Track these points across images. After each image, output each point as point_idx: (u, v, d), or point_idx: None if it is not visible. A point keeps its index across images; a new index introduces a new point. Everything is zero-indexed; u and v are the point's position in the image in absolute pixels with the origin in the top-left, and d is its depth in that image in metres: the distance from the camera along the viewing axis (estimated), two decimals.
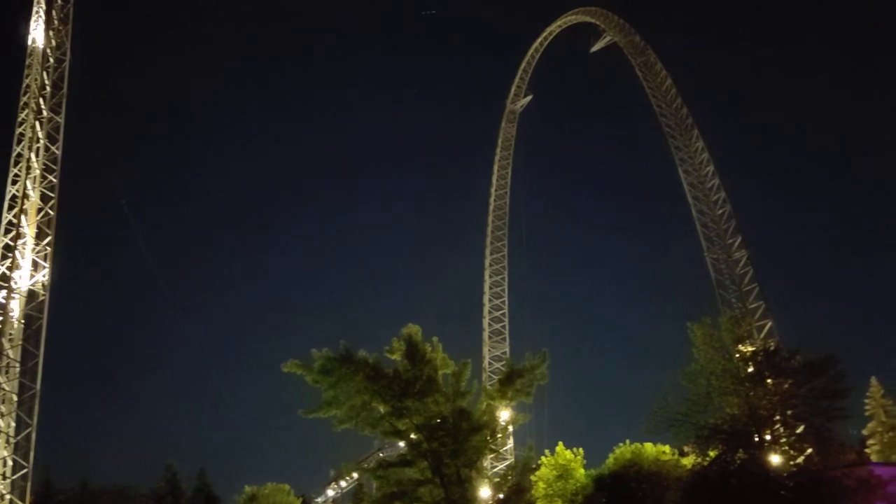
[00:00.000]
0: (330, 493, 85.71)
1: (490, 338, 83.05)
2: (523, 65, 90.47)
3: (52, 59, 53.10)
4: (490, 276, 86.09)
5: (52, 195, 50.55)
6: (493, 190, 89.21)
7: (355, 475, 73.72)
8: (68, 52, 53.47)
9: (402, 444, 39.36)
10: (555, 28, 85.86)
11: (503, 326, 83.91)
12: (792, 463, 35.35)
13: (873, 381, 77.16)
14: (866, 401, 76.18)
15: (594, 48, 79.85)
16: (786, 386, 37.18)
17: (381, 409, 36.88)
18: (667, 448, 48.04)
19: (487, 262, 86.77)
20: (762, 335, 57.03)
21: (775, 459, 35.38)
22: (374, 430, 38.01)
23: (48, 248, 49.37)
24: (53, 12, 53.88)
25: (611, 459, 49.10)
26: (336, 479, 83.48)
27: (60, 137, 51.88)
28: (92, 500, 63.56)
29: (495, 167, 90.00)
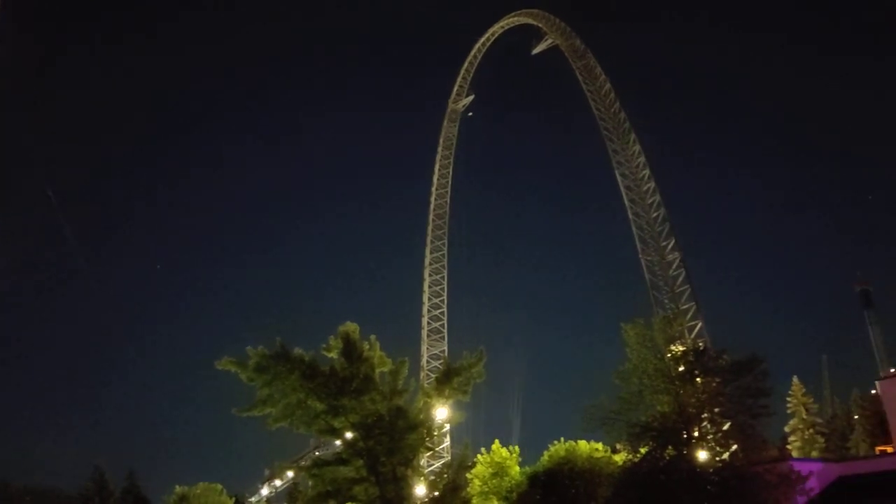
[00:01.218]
0: (264, 492, 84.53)
1: (429, 336, 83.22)
2: (465, 65, 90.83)
3: None
4: (430, 275, 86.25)
5: None
6: (433, 189, 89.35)
7: (290, 474, 72.86)
8: None
9: (338, 442, 39.07)
10: (497, 29, 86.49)
11: (442, 325, 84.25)
12: (717, 459, 36.42)
13: (795, 380, 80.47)
14: (788, 399, 79.36)
15: (535, 50, 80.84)
16: (713, 385, 38.27)
17: (317, 407, 36.51)
18: (600, 445, 48.96)
19: (427, 260, 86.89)
20: (693, 335, 58.68)
21: (702, 455, 36.40)
22: (310, 429, 37.61)
23: None
24: None
25: (545, 457, 49.72)
26: (271, 478, 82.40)
27: None
28: (13, 501, 61.33)
29: (436, 166, 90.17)
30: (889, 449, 53.72)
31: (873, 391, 72.54)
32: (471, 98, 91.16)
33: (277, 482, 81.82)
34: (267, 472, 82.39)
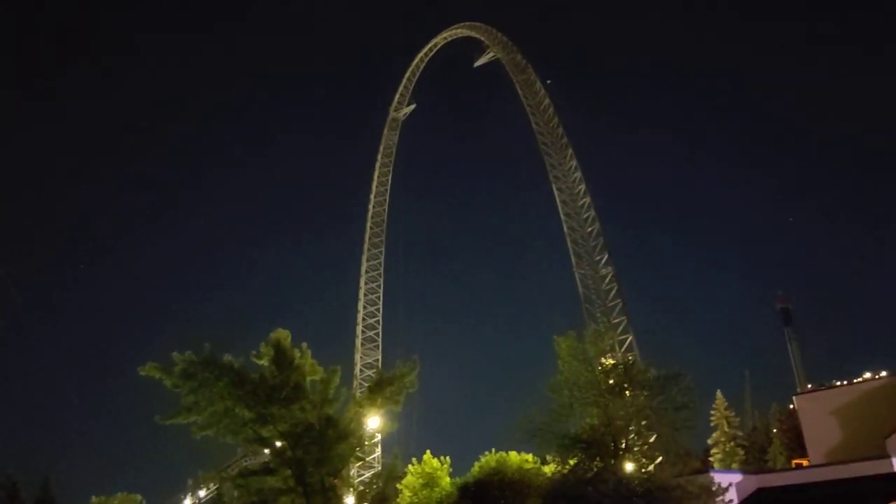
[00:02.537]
0: (186, 502, 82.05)
1: (363, 345, 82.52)
2: (408, 73, 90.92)
3: None
4: (366, 283, 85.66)
5: None
6: (372, 196, 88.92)
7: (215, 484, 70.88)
8: None
9: (266, 451, 38.24)
10: (440, 40, 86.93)
11: (377, 334, 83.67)
12: (643, 470, 37.16)
13: (719, 394, 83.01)
14: (712, 412, 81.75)
15: (477, 63, 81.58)
16: (641, 398, 39.05)
17: (245, 415, 35.68)
18: (530, 457, 49.29)
19: (363, 268, 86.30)
20: (623, 349, 59.78)
21: (629, 467, 37.07)
22: (237, 438, 36.69)
23: None
24: None
25: (476, 468, 49.74)
26: (194, 489, 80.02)
27: None
28: None
29: (375, 174, 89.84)
30: (805, 462, 55.73)
31: (791, 406, 75.25)
32: (412, 107, 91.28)
33: (201, 493, 79.52)
34: (190, 482, 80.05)
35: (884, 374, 62.52)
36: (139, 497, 64.00)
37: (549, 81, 74.70)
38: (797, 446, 69.24)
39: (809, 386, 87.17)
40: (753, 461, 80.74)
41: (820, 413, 47.10)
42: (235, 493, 38.19)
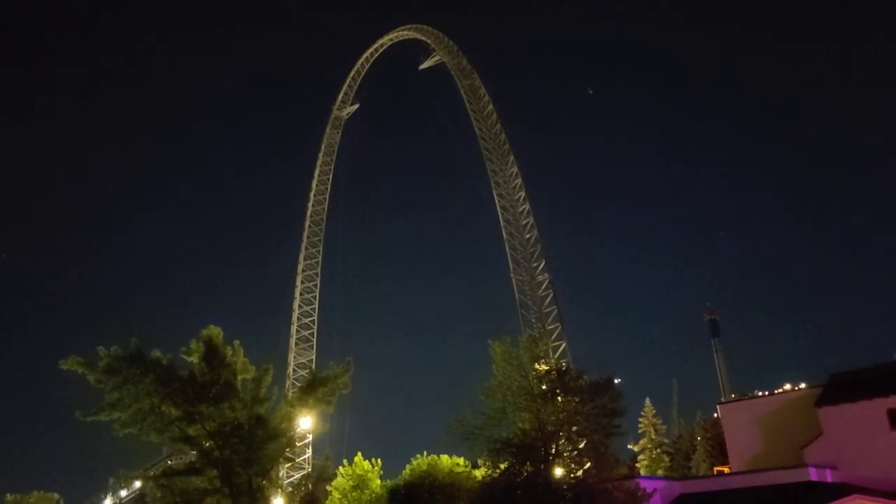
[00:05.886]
0: (107, 503, 79.38)
1: (297, 344, 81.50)
2: (352, 73, 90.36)
3: None
4: (302, 282, 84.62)
5: None
6: (312, 195, 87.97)
7: (137, 484, 68.81)
8: None
9: (193, 451, 37.25)
10: (386, 41, 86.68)
11: (311, 333, 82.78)
12: (572, 475, 37.66)
13: (647, 402, 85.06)
14: (640, 419, 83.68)
15: (423, 66, 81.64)
16: (573, 404, 39.56)
17: (172, 413, 34.73)
18: (461, 460, 49.46)
19: (300, 267, 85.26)
20: (556, 355, 60.57)
21: (558, 472, 37.52)
22: (162, 436, 35.65)
23: None
24: None
25: (407, 470, 49.67)
26: (115, 488, 77.46)
27: None
28: None
29: (316, 172, 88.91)
30: (726, 469, 57.50)
31: (715, 415, 77.54)
32: (355, 107, 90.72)
33: (122, 493, 77.04)
34: (111, 482, 77.47)
35: (803, 385, 65.20)
36: (56, 496, 61.72)
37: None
38: (720, 454, 71.40)
39: (733, 395, 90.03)
40: (678, 468, 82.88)
41: (742, 422, 48.57)
42: (158, 494, 37.02)
